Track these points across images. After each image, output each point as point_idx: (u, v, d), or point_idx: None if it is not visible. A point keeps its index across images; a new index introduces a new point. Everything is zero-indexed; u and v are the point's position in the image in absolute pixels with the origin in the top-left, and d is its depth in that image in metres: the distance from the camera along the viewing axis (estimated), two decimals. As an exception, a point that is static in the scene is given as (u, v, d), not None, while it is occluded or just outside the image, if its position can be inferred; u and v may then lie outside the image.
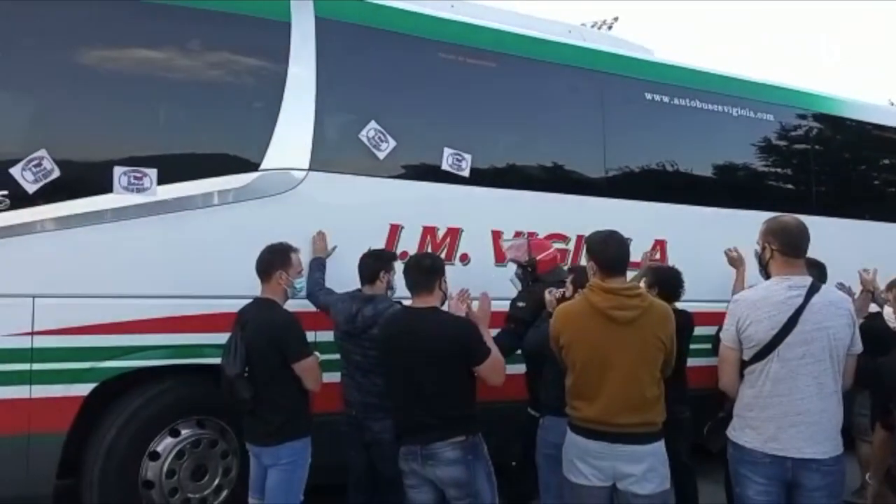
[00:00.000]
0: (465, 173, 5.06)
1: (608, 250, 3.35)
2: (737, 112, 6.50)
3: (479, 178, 5.15)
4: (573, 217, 5.51)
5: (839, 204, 7.09)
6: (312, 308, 4.38)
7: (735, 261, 5.66)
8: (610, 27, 24.55)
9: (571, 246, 5.52)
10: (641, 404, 3.23)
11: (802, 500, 3.17)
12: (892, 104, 9.52)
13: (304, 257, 4.28)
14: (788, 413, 3.12)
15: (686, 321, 4.51)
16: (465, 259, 5.04)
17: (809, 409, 3.11)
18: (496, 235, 5.19)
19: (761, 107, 6.65)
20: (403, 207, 4.87)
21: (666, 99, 6.12)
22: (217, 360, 3.76)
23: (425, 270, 3.59)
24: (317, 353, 3.75)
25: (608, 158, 5.75)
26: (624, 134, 5.92)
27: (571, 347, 3.32)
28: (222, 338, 3.78)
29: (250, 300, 3.80)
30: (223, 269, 4.27)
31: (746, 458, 3.22)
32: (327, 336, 4.30)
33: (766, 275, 3.39)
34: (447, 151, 5.01)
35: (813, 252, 3.46)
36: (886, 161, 7.86)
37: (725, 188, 6.49)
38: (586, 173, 5.78)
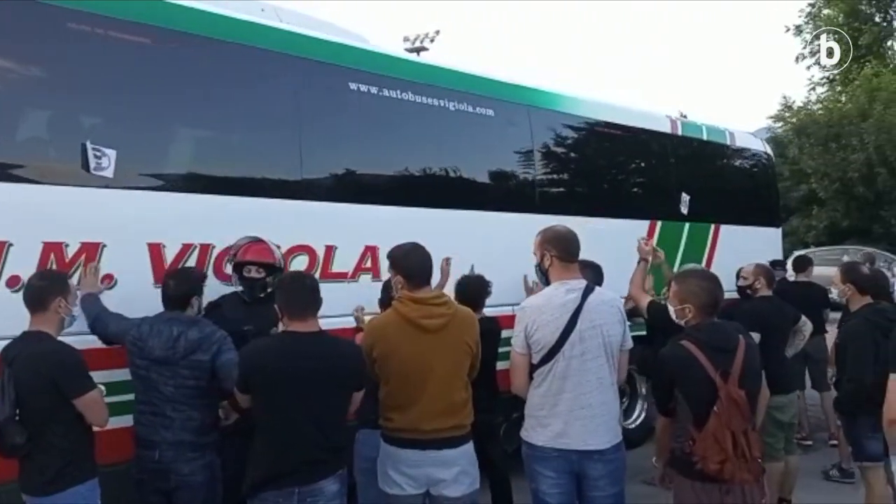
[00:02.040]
0: (109, 173, 3.95)
1: (412, 262, 3.39)
2: (454, 106, 5.99)
3: (128, 178, 4.05)
4: (259, 223, 4.50)
5: (564, 202, 6.86)
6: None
7: (646, 252, 5.08)
8: (432, 40, 24.40)
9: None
10: (451, 408, 3.31)
11: (589, 490, 3.38)
12: (684, 115, 9.71)
13: None
14: (574, 408, 3.31)
15: (493, 327, 4.42)
16: (109, 280, 3.97)
17: (592, 402, 3.33)
18: (154, 250, 4.12)
19: (482, 102, 6.13)
20: (7, 218, 3.66)
21: (374, 90, 5.44)
22: None
23: (311, 290, 3.26)
24: (101, 386, 3.31)
25: (305, 156, 4.84)
26: (324, 128, 5.06)
27: (385, 360, 3.32)
28: None
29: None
30: None
31: (538, 454, 3.40)
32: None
33: (547, 281, 3.57)
34: (86, 146, 3.87)
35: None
36: (618, 159, 7.67)
37: (443, 188, 5.82)
38: (277, 173, 4.85)
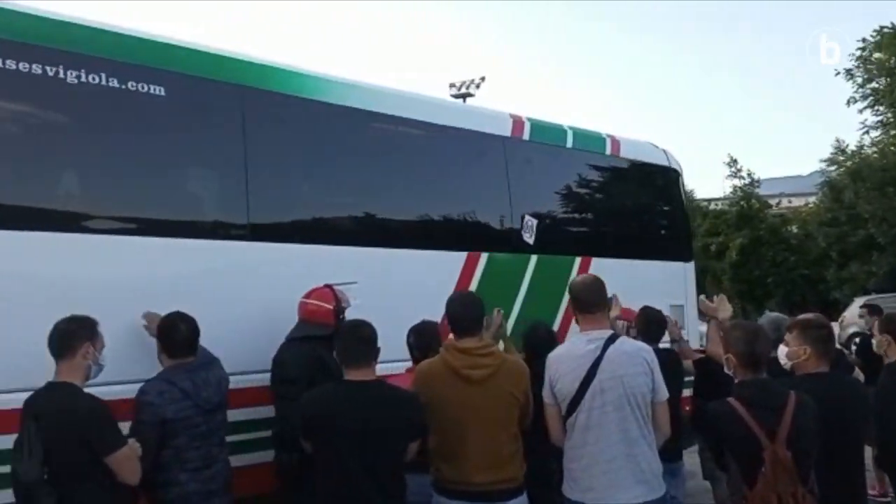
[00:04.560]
0: None
1: (457, 310, 3.40)
2: (76, 77, 4.00)
3: None
4: None
5: (302, 226, 4.79)
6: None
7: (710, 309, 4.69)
8: (478, 86, 23.69)
9: None
10: (500, 461, 3.25)
11: None
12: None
13: None
14: (599, 461, 3.20)
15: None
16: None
17: (616, 455, 3.19)
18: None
19: (139, 74, 4.09)
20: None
21: None
22: None
23: (366, 340, 3.23)
24: (132, 441, 3.12)
25: None
26: None
27: (430, 408, 3.26)
28: None
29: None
30: None
31: None
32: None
33: None
34: None
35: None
36: (412, 168, 5.52)
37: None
38: None
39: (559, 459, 3.48)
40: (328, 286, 4.21)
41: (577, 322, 3.51)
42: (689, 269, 7.20)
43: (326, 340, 3.90)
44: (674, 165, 7.40)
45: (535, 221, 5.97)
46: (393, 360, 3.90)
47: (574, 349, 3.34)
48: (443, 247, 5.44)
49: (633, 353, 3.34)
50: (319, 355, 3.91)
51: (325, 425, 3.16)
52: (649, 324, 4.82)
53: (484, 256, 5.64)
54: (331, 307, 4.13)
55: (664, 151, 7.40)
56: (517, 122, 6.16)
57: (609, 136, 6.92)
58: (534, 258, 5.97)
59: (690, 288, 7.09)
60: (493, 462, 3.22)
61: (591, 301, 3.39)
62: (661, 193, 7.29)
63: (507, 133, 6.05)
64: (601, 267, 6.33)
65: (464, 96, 24.15)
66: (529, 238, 5.96)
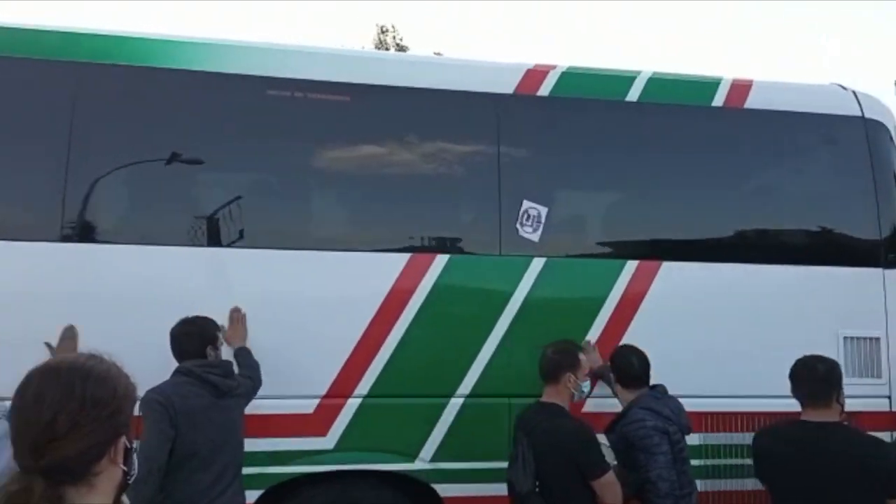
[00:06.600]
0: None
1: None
2: None
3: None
4: None
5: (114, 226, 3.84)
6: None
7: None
8: None
9: None
10: None
11: None
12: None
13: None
14: None
15: None
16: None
17: None
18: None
19: None
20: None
21: None
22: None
23: (823, 378, 2.98)
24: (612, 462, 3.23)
25: None
26: None
27: None
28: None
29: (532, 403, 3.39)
30: None
31: None
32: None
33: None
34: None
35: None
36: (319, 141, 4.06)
37: None
38: None
39: None
40: None
41: None
42: (892, 277, 4.13)
43: None
44: (872, 116, 4.45)
45: (541, 210, 3.98)
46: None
47: None
48: (378, 247, 3.90)
49: None
50: None
51: (774, 465, 2.99)
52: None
53: (441, 259, 3.88)
54: None
55: (854, 94, 4.50)
56: (531, 74, 4.28)
57: (734, 80, 4.47)
58: (538, 262, 3.95)
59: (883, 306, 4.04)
60: None
61: None
62: (844, 159, 4.39)
63: (510, 90, 4.22)
64: (691, 274, 4.04)
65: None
66: (532, 233, 3.98)
